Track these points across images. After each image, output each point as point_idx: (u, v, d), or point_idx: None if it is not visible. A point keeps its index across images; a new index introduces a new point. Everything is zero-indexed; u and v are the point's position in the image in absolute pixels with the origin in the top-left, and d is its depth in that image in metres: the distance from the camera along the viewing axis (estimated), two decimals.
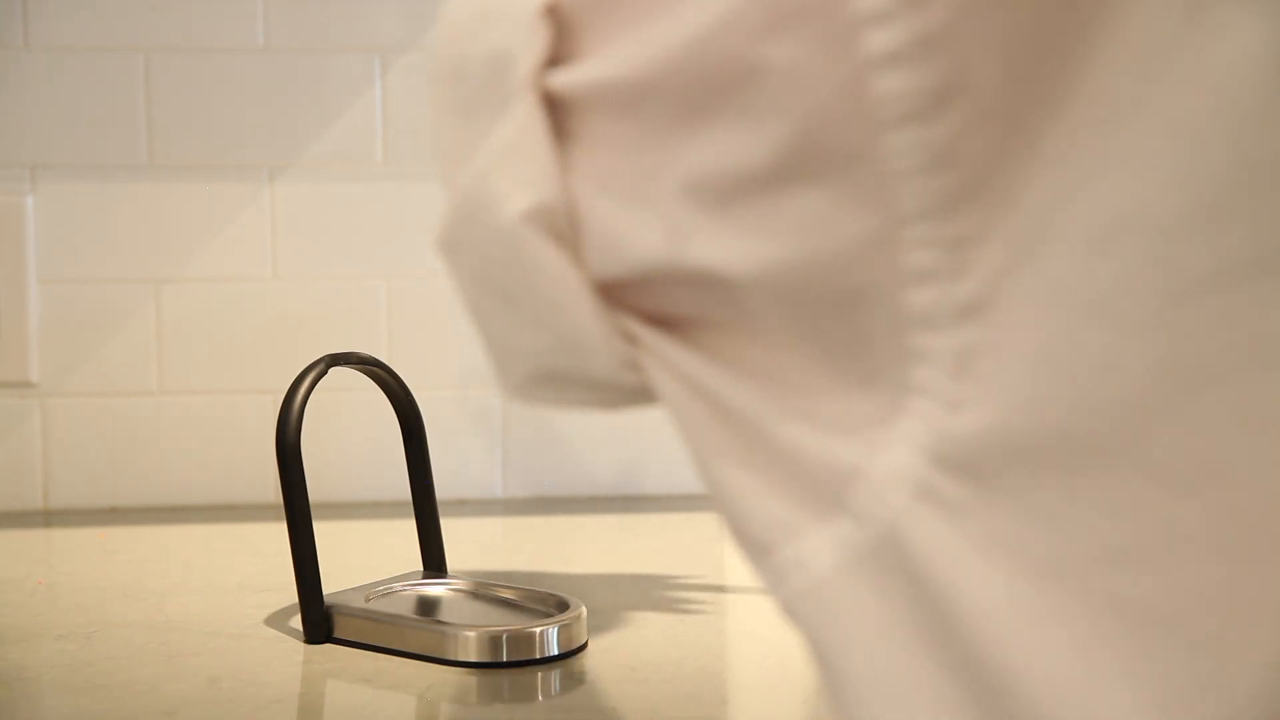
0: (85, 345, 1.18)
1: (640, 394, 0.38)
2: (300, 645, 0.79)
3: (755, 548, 0.35)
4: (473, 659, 0.75)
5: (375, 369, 0.85)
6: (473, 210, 0.37)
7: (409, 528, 0.89)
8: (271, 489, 1.19)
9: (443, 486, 1.08)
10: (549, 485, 1.21)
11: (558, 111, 0.36)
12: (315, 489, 0.83)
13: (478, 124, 0.37)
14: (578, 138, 0.36)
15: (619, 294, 0.36)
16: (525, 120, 0.35)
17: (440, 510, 0.88)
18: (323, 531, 0.81)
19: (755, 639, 0.83)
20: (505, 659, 0.75)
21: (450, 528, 0.89)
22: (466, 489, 1.21)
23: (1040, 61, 0.30)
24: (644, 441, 1.20)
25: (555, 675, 0.75)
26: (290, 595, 0.87)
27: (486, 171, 0.36)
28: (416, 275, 1.20)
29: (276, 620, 0.84)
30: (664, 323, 0.36)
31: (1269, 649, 0.30)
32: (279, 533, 0.81)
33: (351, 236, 1.20)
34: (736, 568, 1.07)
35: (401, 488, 0.88)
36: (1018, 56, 0.30)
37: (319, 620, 0.79)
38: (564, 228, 0.36)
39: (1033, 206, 0.31)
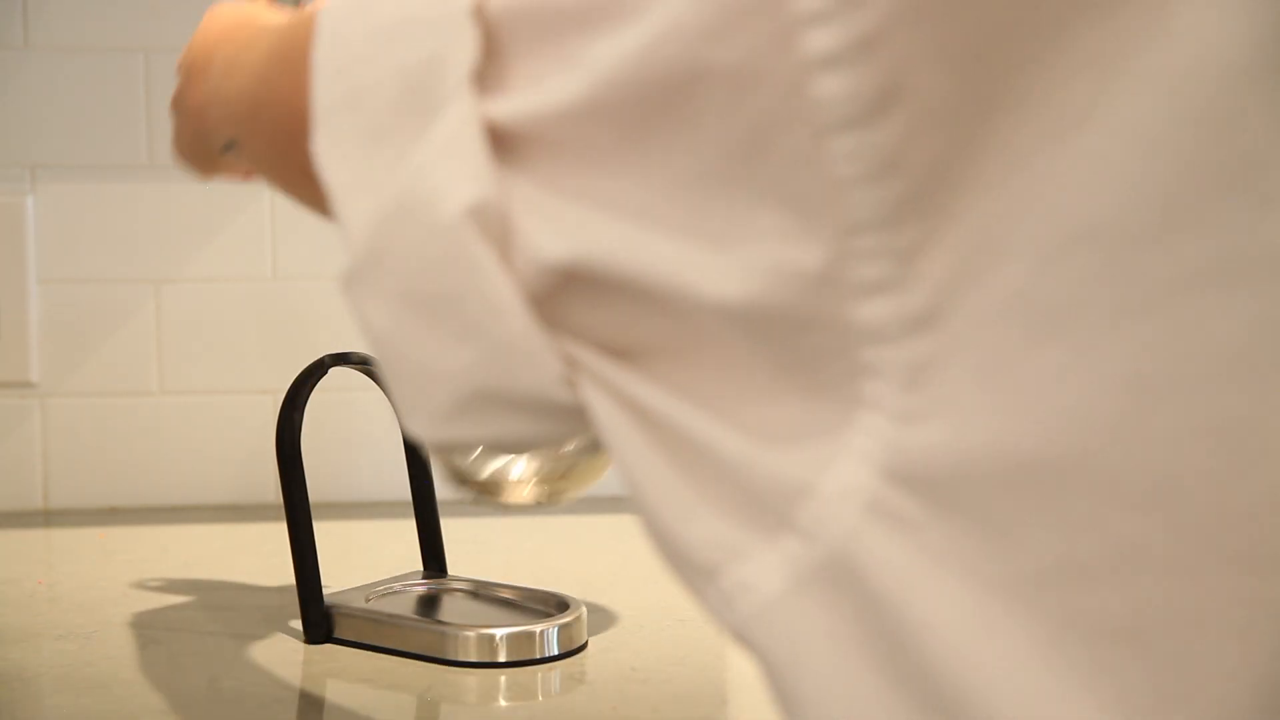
0: (85, 345, 1.18)
1: (574, 416, 0.36)
2: (300, 645, 0.79)
3: (697, 573, 0.34)
4: (473, 659, 0.75)
5: (375, 369, 0.85)
6: (408, 213, 0.36)
7: (409, 528, 0.89)
8: (271, 489, 1.19)
9: (443, 486, 1.08)
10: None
11: (493, 128, 0.35)
12: (315, 489, 0.83)
13: (400, 136, 0.36)
14: (514, 150, 0.35)
15: (553, 308, 0.35)
16: (464, 119, 0.35)
17: (440, 510, 0.88)
18: (323, 531, 0.81)
19: None
20: (505, 659, 0.75)
21: (450, 528, 0.89)
22: None
23: (988, 68, 0.29)
24: None
25: (555, 675, 0.75)
26: (290, 595, 0.87)
27: (426, 169, 0.35)
28: None
29: (276, 620, 0.84)
30: (601, 347, 0.35)
31: (1229, 661, 0.30)
32: (279, 533, 0.81)
33: None
34: None
35: (401, 488, 0.88)
36: (963, 62, 0.29)
37: (319, 620, 0.79)
38: (498, 230, 0.35)
39: (986, 216, 0.30)
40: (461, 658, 0.75)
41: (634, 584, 0.88)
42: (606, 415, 0.35)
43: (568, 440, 0.37)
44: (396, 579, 0.85)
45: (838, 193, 0.30)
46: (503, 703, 0.71)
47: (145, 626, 0.83)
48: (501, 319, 0.35)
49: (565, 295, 0.34)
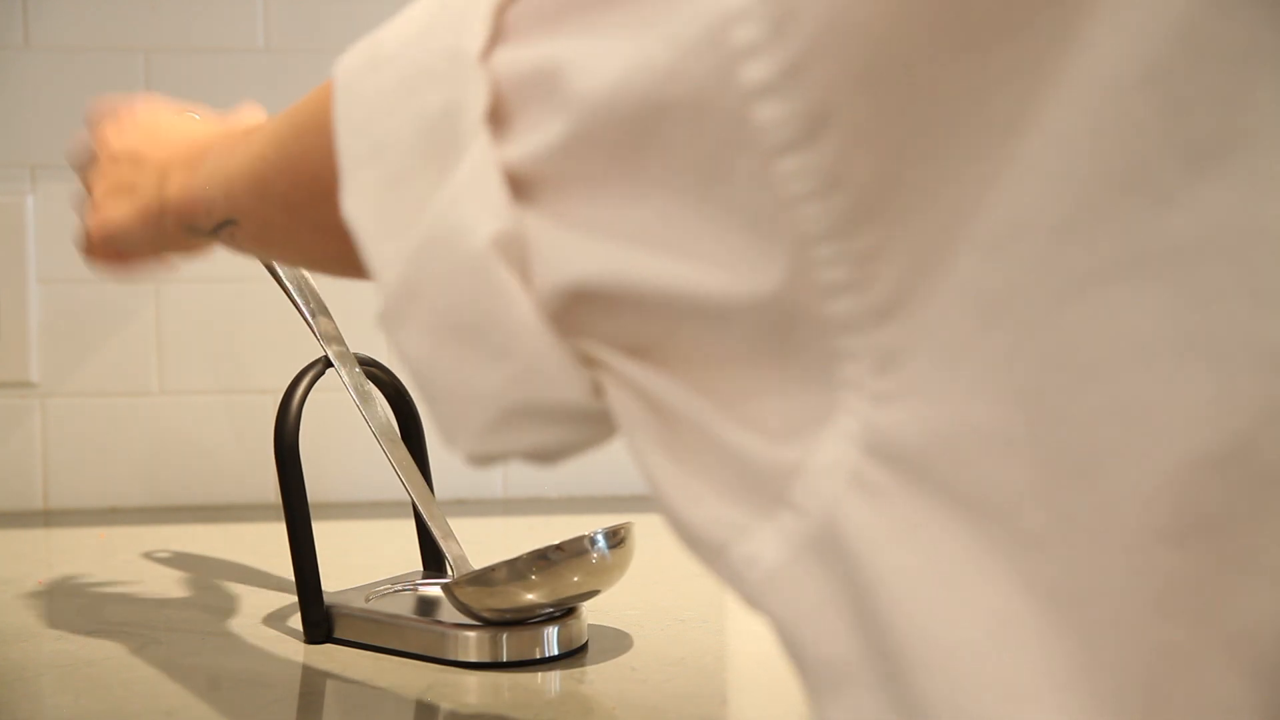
0: (85, 345, 1.18)
1: (601, 420, 0.39)
2: (300, 645, 0.79)
3: (709, 549, 0.37)
4: (473, 659, 0.75)
5: (373, 369, 0.85)
6: (439, 247, 0.39)
7: (409, 528, 0.89)
8: (271, 489, 1.19)
9: (443, 486, 1.08)
10: (549, 485, 1.21)
11: (506, 169, 0.38)
12: (315, 489, 0.83)
13: (424, 180, 0.40)
14: (524, 187, 0.38)
15: (570, 320, 0.38)
16: (482, 160, 0.38)
17: (440, 511, 0.87)
18: (323, 531, 0.81)
19: (755, 639, 0.83)
20: (505, 659, 0.75)
21: (450, 528, 0.89)
22: (466, 489, 1.21)
23: (911, 87, 0.32)
24: None
25: (555, 675, 0.75)
26: (290, 595, 0.87)
27: (455, 202, 0.39)
28: None
29: (276, 620, 0.84)
30: (616, 347, 0.38)
31: (1152, 633, 0.32)
32: (279, 533, 0.81)
33: None
34: None
35: (401, 488, 0.88)
36: (886, 84, 0.32)
37: (319, 620, 0.79)
38: (518, 258, 0.38)
39: (931, 217, 0.33)
40: (461, 658, 0.75)
41: (634, 584, 0.88)
42: (624, 409, 0.38)
43: (596, 444, 0.41)
44: (396, 579, 0.85)
45: (790, 209, 0.34)
46: (503, 703, 0.71)
47: (145, 626, 0.83)
48: (529, 338, 0.38)
49: (579, 310, 0.38)
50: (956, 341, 0.33)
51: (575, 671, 0.75)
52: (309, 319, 0.83)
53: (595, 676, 0.74)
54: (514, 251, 0.38)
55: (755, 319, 0.35)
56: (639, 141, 0.35)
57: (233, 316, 1.19)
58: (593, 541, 0.74)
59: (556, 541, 0.73)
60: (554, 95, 0.37)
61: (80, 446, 1.18)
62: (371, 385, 0.84)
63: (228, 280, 1.19)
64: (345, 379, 0.82)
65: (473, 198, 0.38)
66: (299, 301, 0.83)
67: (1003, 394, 0.33)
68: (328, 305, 0.85)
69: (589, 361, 0.38)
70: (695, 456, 0.37)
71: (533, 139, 0.37)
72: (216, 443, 1.19)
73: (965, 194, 0.32)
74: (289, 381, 0.80)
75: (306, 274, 0.85)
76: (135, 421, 1.19)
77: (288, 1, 1.18)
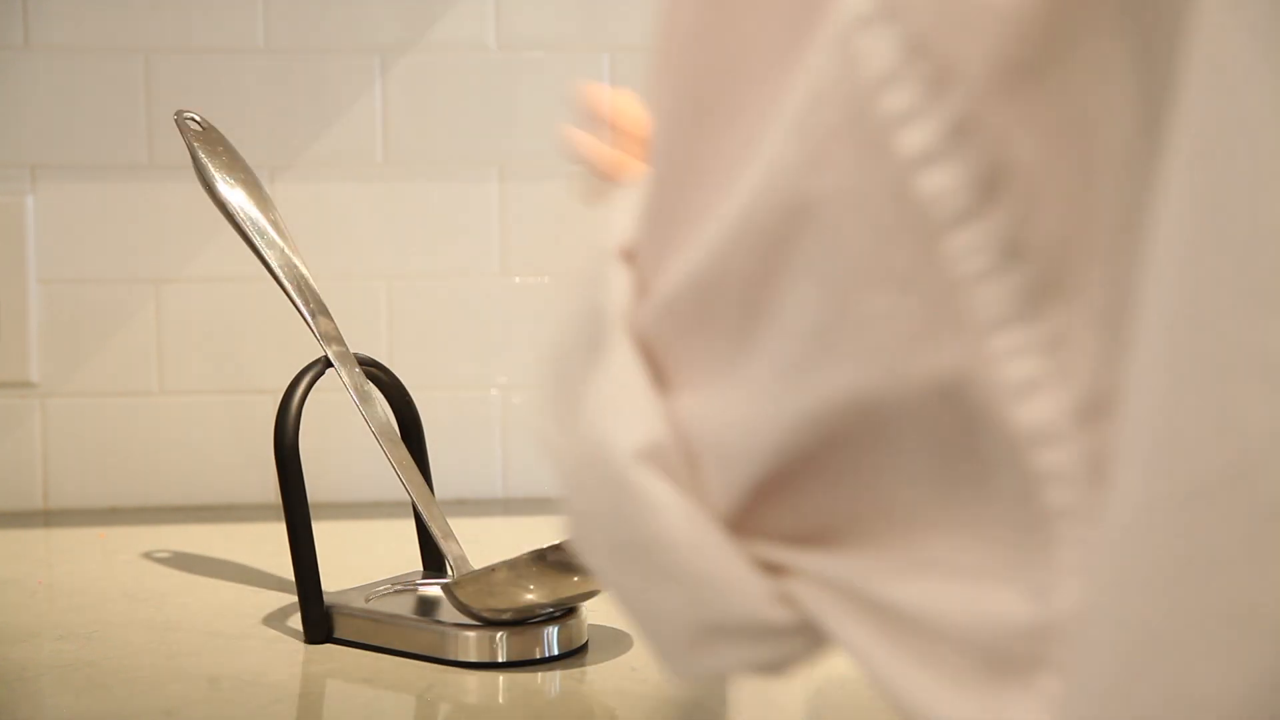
0: (85, 345, 1.18)
1: (801, 634, 0.35)
2: (300, 645, 0.79)
3: None
4: (473, 659, 0.75)
5: (373, 369, 0.85)
6: (587, 467, 0.36)
7: (409, 528, 0.89)
8: (271, 489, 1.19)
9: (443, 486, 1.08)
10: (549, 485, 1.21)
11: (649, 353, 0.35)
12: (315, 489, 0.83)
13: (574, 384, 0.37)
14: (667, 366, 0.35)
15: (748, 519, 0.34)
16: (622, 359, 0.35)
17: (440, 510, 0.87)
18: (323, 531, 0.81)
19: None
20: (505, 659, 0.75)
21: (450, 528, 0.89)
22: (466, 489, 1.21)
23: (1083, 129, 0.29)
24: None
25: (555, 675, 0.75)
26: (290, 595, 0.87)
27: (595, 418, 0.36)
28: (416, 275, 1.20)
29: (276, 620, 0.84)
30: (800, 540, 0.34)
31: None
32: (279, 533, 0.81)
33: (351, 236, 1.20)
34: None
35: (401, 488, 0.88)
36: (1060, 128, 0.29)
37: (319, 620, 0.79)
38: (677, 463, 0.34)
39: (1118, 278, 0.28)
40: (461, 658, 0.75)
41: None
42: (832, 615, 0.34)
43: (817, 652, 0.36)
44: (396, 579, 0.85)
45: (964, 293, 0.29)
46: (502, 703, 0.71)
47: (145, 626, 0.83)
48: (697, 554, 0.34)
49: (760, 501, 0.34)
50: (1165, 417, 0.27)
51: (575, 671, 0.75)
52: (309, 319, 0.83)
53: (595, 676, 0.74)
54: (670, 455, 0.34)
55: (941, 431, 0.30)
56: (778, 254, 0.31)
57: (233, 316, 1.19)
58: None
59: (556, 541, 0.73)
60: (682, 239, 0.34)
61: (80, 446, 1.18)
62: (371, 385, 0.84)
63: (228, 280, 1.19)
64: (345, 379, 0.82)
65: (614, 407, 0.35)
66: (299, 301, 0.83)
67: (1224, 448, 0.27)
68: (328, 305, 0.85)
69: (771, 569, 0.34)
70: (921, 649, 0.32)
71: (659, 290, 0.34)
72: (216, 443, 1.19)
73: (1141, 246, 0.28)
74: (289, 381, 0.80)
75: (306, 274, 0.85)
76: (135, 421, 1.19)
77: (288, 1, 1.18)
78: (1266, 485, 0.26)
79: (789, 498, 0.34)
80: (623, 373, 0.35)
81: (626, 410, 0.35)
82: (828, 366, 0.31)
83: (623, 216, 0.37)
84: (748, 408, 0.33)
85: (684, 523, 0.34)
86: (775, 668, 0.36)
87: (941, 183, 0.29)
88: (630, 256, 0.36)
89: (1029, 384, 0.29)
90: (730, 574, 0.34)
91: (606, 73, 1.20)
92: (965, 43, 0.29)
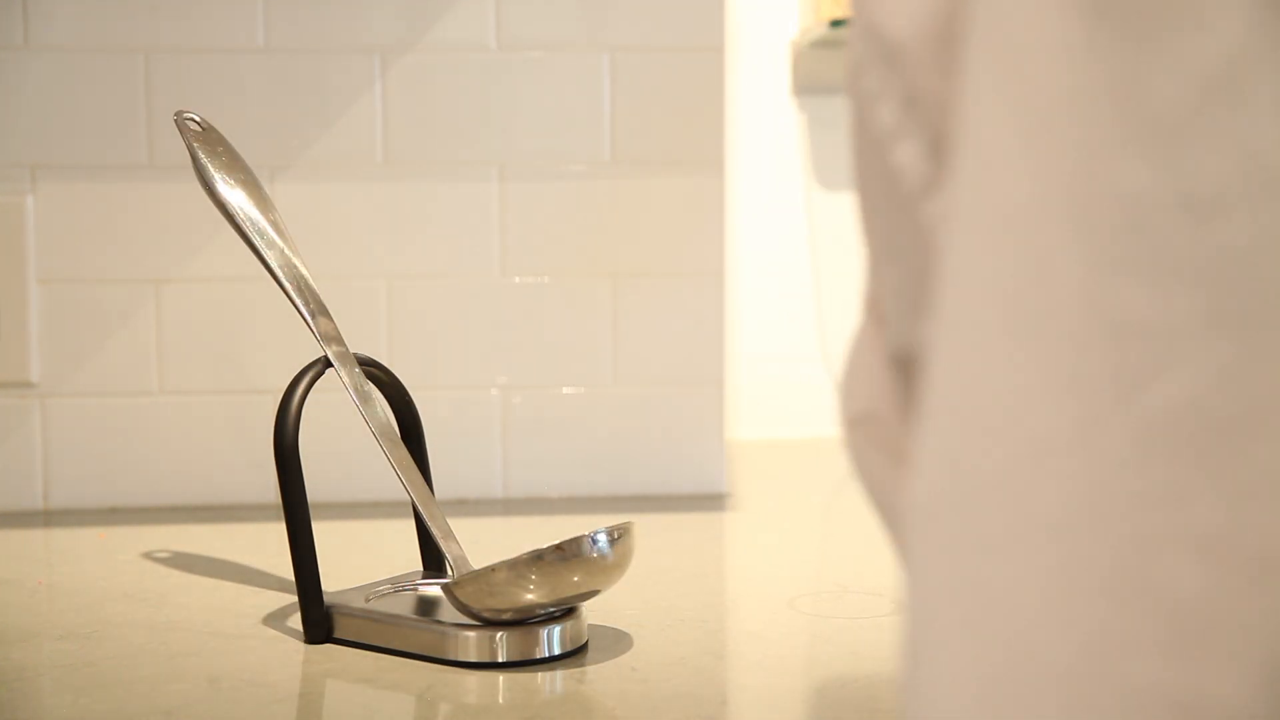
0: (85, 345, 1.18)
1: None
2: (300, 645, 0.79)
3: None
4: (473, 659, 0.75)
5: (373, 369, 0.85)
6: None
7: (409, 528, 0.89)
8: (271, 489, 1.19)
9: (443, 486, 1.08)
10: (549, 485, 1.21)
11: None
12: (315, 489, 0.83)
13: None
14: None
15: None
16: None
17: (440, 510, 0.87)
18: (323, 531, 0.81)
19: (755, 639, 0.83)
20: (505, 659, 0.75)
21: (450, 528, 0.89)
22: (466, 489, 1.21)
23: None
24: (643, 441, 1.20)
25: (555, 675, 0.75)
26: (290, 595, 0.87)
27: None
28: (416, 275, 1.20)
29: (276, 620, 0.84)
30: None
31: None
32: (279, 533, 0.81)
33: (351, 237, 1.20)
34: (736, 567, 1.07)
35: (401, 488, 0.88)
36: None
37: (319, 620, 0.79)
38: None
39: None
40: (461, 658, 0.75)
41: (634, 584, 0.88)
42: None
43: None
44: (396, 579, 0.85)
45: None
46: (502, 703, 0.71)
47: (145, 626, 0.83)
48: None
49: None
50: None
51: (575, 671, 0.75)
52: (309, 319, 0.83)
53: (595, 676, 0.74)
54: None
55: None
56: None
57: (233, 316, 1.19)
58: (593, 541, 0.74)
59: (556, 541, 0.73)
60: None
61: (80, 446, 1.18)
62: (371, 385, 0.84)
63: (228, 280, 1.19)
64: (345, 379, 0.82)
65: None
66: (299, 301, 0.83)
67: None
68: (327, 305, 0.85)
69: None
70: None
71: None
72: (216, 443, 1.19)
73: None
74: (289, 381, 0.80)
75: (306, 274, 0.85)
76: (135, 421, 1.19)
77: (288, 1, 1.18)
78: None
79: None
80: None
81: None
82: None
83: None
84: None
85: None
86: None
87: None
88: None
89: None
90: None
91: (606, 73, 1.20)
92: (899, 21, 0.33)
